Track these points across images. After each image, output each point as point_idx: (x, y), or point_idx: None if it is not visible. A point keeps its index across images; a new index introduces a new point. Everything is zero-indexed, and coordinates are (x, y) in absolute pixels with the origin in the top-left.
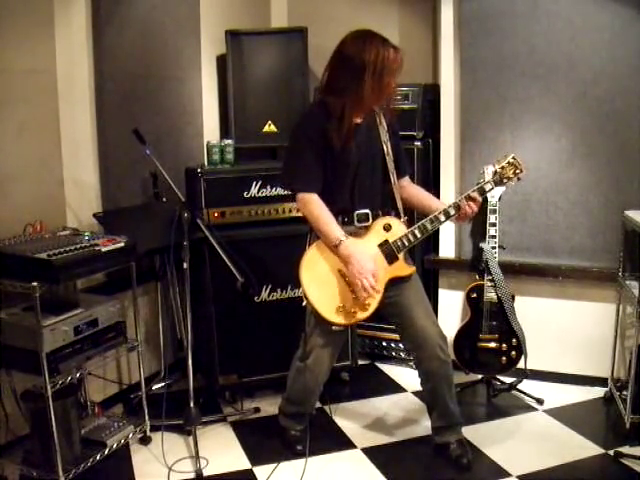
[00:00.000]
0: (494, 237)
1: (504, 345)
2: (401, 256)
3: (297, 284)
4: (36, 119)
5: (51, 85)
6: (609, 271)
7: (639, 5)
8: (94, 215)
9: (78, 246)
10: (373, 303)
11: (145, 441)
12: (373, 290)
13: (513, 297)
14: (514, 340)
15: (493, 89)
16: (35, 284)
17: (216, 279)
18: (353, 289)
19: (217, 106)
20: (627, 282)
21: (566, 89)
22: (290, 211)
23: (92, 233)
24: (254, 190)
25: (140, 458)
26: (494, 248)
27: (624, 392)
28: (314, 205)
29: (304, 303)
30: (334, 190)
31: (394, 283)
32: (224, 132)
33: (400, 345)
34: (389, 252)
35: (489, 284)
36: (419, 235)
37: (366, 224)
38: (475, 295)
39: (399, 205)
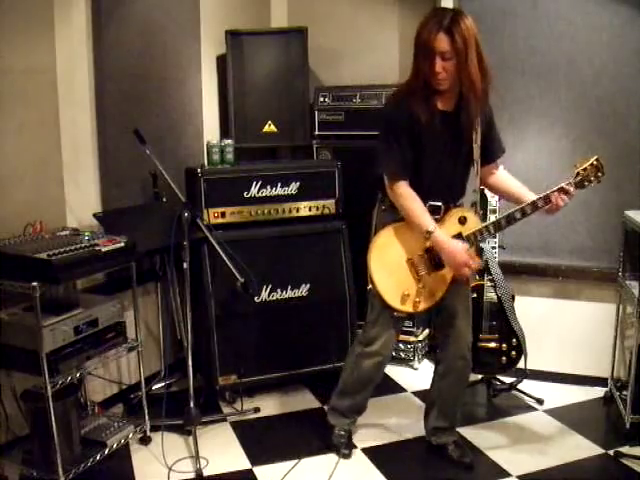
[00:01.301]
0: (494, 237)
1: (504, 345)
2: (472, 250)
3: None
4: (36, 119)
5: (51, 85)
6: (609, 271)
7: (639, 5)
8: (94, 215)
9: (78, 246)
10: (438, 294)
11: (145, 441)
12: (475, 266)
13: (513, 297)
14: (514, 340)
15: (493, 89)
16: (35, 284)
17: (216, 279)
18: (420, 279)
19: (217, 106)
20: (627, 282)
21: (566, 89)
22: (290, 211)
23: (92, 233)
24: (254, 190)
25: (140, 458)
26: (494, 248)
27: (624, 392)
28: (403, 193)
29: (369, 287)
30: (415, 178)
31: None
32: (224, 132)
33: (400, 345)
34: None
35: (489, 284)
36: (493, 231)
37: (437, 217)
38: (475, 295)
39: (477, 197)
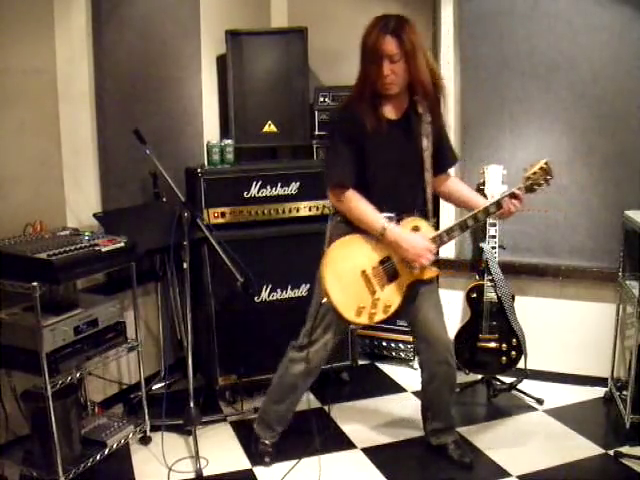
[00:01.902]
0: (494, 237)
1: (504, 345)
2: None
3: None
4: (36, 119)
5: (51, 85)
6: (609, 271)
7: (639, 5)
8: (94, 215)
9: (78, 246)
10: (394, 306)
11: (145, 441)
12: (430, 256)
13: (513, 297)
14: (514, 340)
15: (493, 89)
16: (35, 284)
17: (216, 279)
18: (374, 291)
19: (217, 106)
20: (627, 282)
21: (566, 89)
22: (290, 211)
23: (92, 233)
24: (254, 190)
25: (140, 458)
26: (494, 248)
27: (624, 392)
28: (349, 197)
29: (324, 300)
30: (364, 187)
31: (415, 285)
32: (224, 132)
33: (400, 345)
34: None
35: (489, 284)
36: (446, 239)
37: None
38: (475, 295)
39: (429, 206)
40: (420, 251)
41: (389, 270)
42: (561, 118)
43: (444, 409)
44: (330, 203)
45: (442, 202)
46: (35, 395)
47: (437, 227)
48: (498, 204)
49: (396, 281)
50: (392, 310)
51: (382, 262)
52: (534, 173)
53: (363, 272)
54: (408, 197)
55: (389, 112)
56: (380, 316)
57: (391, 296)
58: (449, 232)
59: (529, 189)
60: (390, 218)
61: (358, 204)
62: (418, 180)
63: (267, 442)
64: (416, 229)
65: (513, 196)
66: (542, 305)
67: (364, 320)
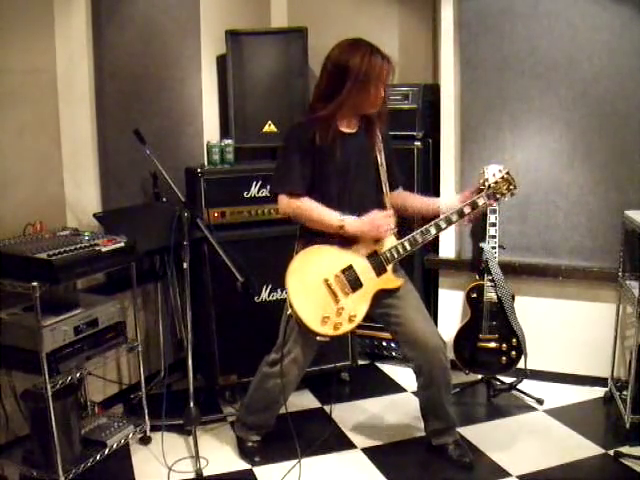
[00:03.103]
0: (494, 237)
1: (504, 345)
2: (389, 268)
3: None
4: (36, 119)
5: (51, 85)
6: (609, 271)
7: (639, 5)
8: (94, 215)
9: (78, 246)
10: (359, 315)
11: (145, 441)
12: (390, 221)
13: (513, 297)
14: (514, 340)
15: (493, 89)
16: (35, 284)
17: (216, 279)
18: (338, 300)
19: (217, 106)
20: (627, 282)
21: (566, 89)
22: None
23: (92, 233)
24: (254, 190)
25: (140, 458)
26: (494, 248)
27: (624, 392)
28: (298, 201)
29: (289, 312)
30: (321, 201)
31: (385, 296)
32: (224, 132)
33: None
34: (378, 264)
35: (489, 284)
36: (409, 247)
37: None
38: (475, 295)
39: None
40: (380, 222)
41: (351, 279)
42: (561, 118)
43: (443, 410)
44: (281, 210)
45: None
46: (35, 395)
47: (399, 238)
48: (460, 212)
49: (360, 290)
50: (357, 320)
51: (344, 271)
52: (496, 182)
53: (326, 281)
54: (369, 207)
55: (345, 126)
56: (346, 327)
57: (356, 306)
58: (411, 241)
59: (490, 197)
60: None
61: (312, 205)
62: (374, 191)
63: (251, 443)
64: (378, 240)
65: (473, 204)
66: (542, 305)
67: (329, 330)
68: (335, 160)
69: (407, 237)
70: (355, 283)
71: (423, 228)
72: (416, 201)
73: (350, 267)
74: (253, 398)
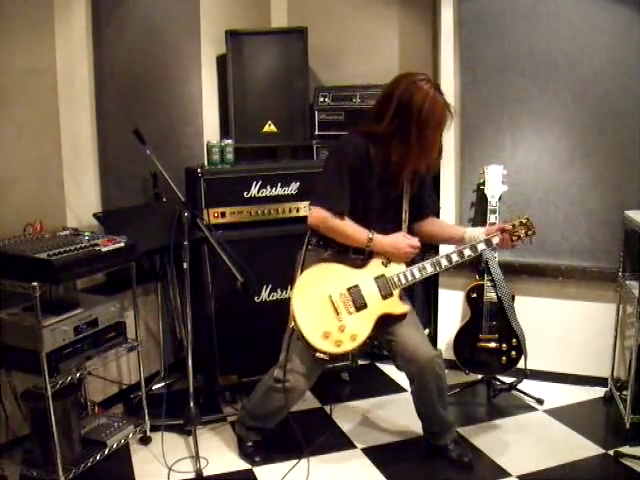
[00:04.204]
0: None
1: (504, 345)
2: (396, 293)
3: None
4: (36, 119)
5: (51, 85)
6: (609, 271)
7: (639, 5)
8: (94, 215)
9: (78, 246)
10: (361, 336)
11: (145, 441)
12: (412, 247)
13: (513, 297)
14: (514, 340)
15: (493, 89)
16: (35, 284)
17: (216, 279)
18: (341, 318)
19: (217, 106)
20: (627, 282)
21: (566, 89)
22: (290, 211)
23: (92, 233)
24: (254, 190)
25: (140, 458)
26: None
27: (624, 392)
28: (330, 218)
29: (291, 325)
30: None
31: (388, 322)
32: (224, 132)
33: None
34: (384, 287)
35: (489, 284)
36: (418, 275)
37: (361, 257)
38: (475, 295)
39: None
40: (401, 247)
41: (356, 297)
42: (561, 118)
43: (437, 414)
44: (312, 220)
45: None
46: (35, 395)
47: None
48: (473, 247)
49: (364, 310)
50: (360, 340)
51: (350, 289)
52: (513, 226)
53: (330, 297)
54: (386, 232)
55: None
56: (347, 345)
57: (359, 325)
58: (420, 269)
59: (507, 240)
60: (362, 249)
61: (344, 221)
62: (397, 217)
63: (251, 443)
64: (386, 263)
65: (488, 243)
66: (542, 305)
67: (330, 347)
68: (375, 187)
69: (417, 264)
70: (360, 302)
71: (434, 259)
72: (442, 229)
73: (356, 286)
74: (256, 406)
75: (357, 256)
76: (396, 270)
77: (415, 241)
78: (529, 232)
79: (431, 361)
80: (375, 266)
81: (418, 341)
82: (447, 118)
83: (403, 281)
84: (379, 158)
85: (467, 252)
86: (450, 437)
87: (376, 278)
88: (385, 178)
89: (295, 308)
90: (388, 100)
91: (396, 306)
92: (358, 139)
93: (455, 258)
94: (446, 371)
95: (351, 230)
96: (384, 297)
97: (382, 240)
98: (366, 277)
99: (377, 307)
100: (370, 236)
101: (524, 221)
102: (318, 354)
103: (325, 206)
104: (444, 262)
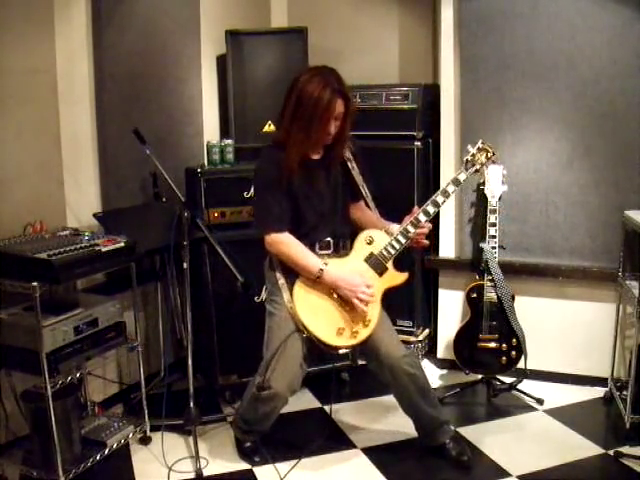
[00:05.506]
0: (494, 237)
1: (504, 345)
2: (390, 265)
3: None
4: (36, 119)
5: (51, 85)
6: (609, 271)
7: (639, 5)
8: (94, 215)
9: (78, 246)
10: (373, 318)
11: (145, 441)
12: (371, 298)
13: (513, 297)
14: (514, 340)
15: (493, 89)
16: (35, 284)
17: (216, 279)
18: (351, 308)
19: (217, 106)
20: (627, 282)
21: (566, 89)
22: None
23: (92, 233)
24: (254, 190)
25: (140, 458)
26: (494, 248)
27: (624, 392)
28: (283, 243)
29: (304, 334)
30: (294, 225)
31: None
32: (224, 132)
33: None
34: (377, 264)
35: (489, 284)
36: (403, 240)
37: (327, 252)
38: (475, 295)
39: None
40: (356, 288)
41: None
42: (561, 118)
43: (425, 413)
44: (268, 249)
45: None
46: (35, 395)
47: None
48: (445, 192)
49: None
50: (373, 324)
51: None
52: (472, 155)
53: (331, 293)
54: (340, 221)
55: (312, 153)
56: (363, 333)
57: (368, 310)
58: (404, 233)
59: (468, 168)
60: (327, 242)
61: (296, 249)
62: (340, 207)
63: (249, 443)
64: (370, 241)
65: (456, 182)
66: (542, 305)
67: (348, 341)
68: (306, 183)
69: (398, 230)
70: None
71: (412, 218)
72: (368, 216)
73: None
74: (245, 412)
75: (326, 250)
76: (382, 243)
77: (370, 283)
78: (489, 154)
79: (399, 361)
80: (361, 248)
81: (387, 343)
82: (333, 105)
83: (392, 252)
84: (294, 159)
85: (450, 188)
86: (447, 435)
87: (366, 259)
88: (305, 175)
89: (302, 318)
90: (284, 106)
91: (395, 278)
92: (269, 151)
93: (431, 210)
94: (445, 371)
95: (302, 262)
96: (380, 274)
97: (336, 275)
98: (356, 261)
99: (378, 286)
100: (321, 268)
101: (481, 146)
102: (341, 351)
103: (274, 228)
104: (422, 217)
